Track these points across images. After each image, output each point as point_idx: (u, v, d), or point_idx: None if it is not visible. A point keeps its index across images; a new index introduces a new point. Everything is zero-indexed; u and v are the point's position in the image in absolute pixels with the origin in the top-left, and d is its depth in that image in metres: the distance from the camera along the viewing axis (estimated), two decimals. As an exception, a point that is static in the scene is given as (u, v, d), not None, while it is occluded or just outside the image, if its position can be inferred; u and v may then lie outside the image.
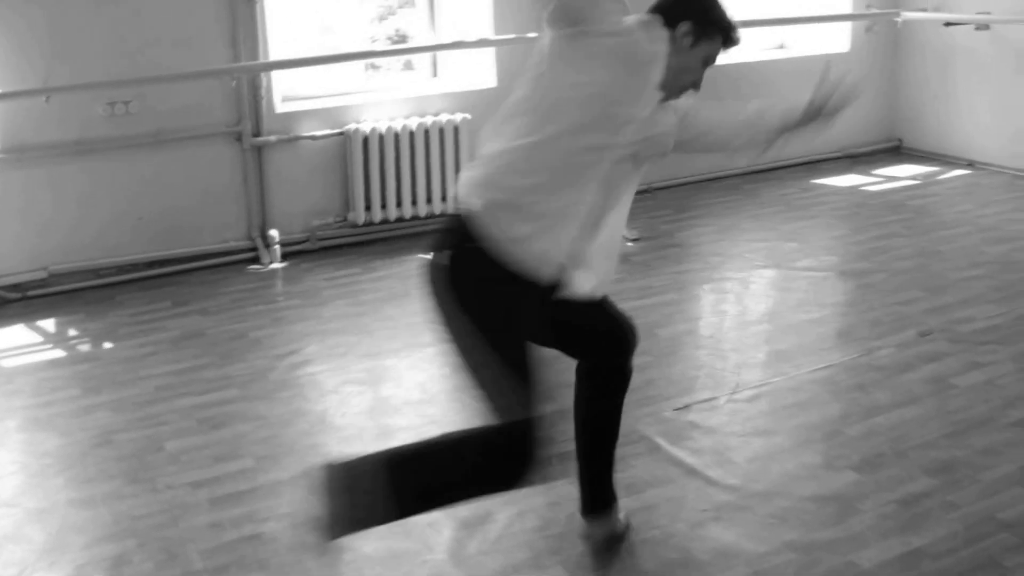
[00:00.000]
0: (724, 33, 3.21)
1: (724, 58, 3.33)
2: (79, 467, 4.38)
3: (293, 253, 7.04)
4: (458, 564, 3.64)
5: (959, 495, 3.91)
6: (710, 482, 4.04)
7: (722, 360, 5.18)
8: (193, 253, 6.84)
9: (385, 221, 7.34)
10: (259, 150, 6.96)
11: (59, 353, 5.64)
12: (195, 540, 3.79)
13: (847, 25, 9.22)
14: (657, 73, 3.05)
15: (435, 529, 3.79)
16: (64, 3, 6.28)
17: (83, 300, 6.35)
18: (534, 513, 3.86)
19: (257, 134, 6.93)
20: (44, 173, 6.39)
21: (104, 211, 6.57)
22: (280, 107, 7.04)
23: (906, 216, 7.62)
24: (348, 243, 7.27)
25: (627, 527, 3.71)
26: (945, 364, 5.07)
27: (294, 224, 7.12)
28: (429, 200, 7.42)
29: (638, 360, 5.13)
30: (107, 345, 5.69)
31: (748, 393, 4.79)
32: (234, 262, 6.91)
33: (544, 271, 3.03)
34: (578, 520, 3.73)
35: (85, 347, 5.70)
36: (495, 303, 3.04)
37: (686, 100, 3.31)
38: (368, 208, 7.25)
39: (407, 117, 7.34)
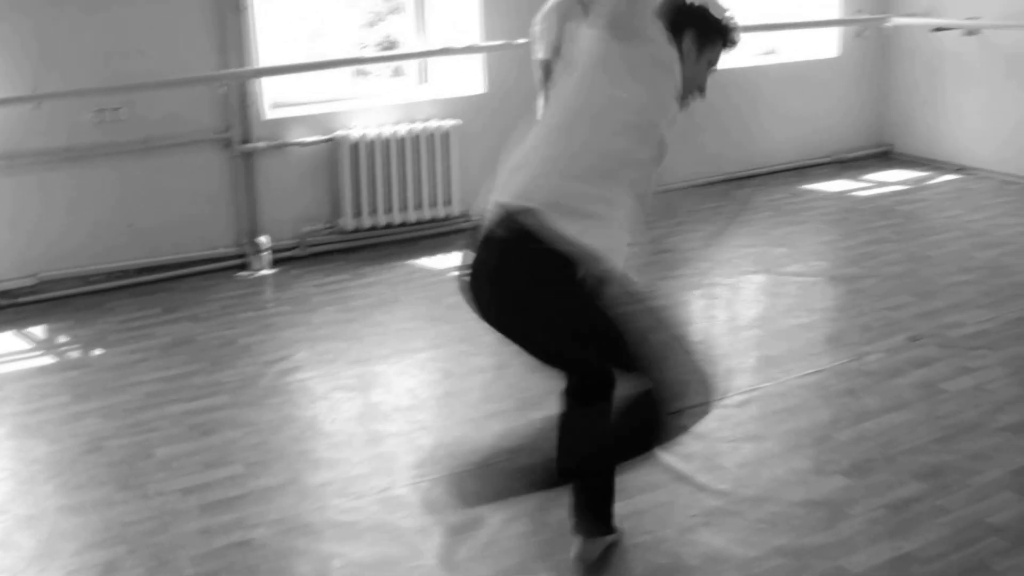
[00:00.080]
0: (724, 36, 3.24)
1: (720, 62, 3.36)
2: (69, 474, 4.37)
3: (283, 259, 7.03)
4: (448, 569, 3.63)
5: (949, 500, 3.91)
6: (700, 487, 4.04)
7: (712, 366, 5.17)
8: (183, 260, 6.83)
9: (375, 227, 7.34)
10: (248, 157, 6.96)
11: (49, 360, 5.63)
12: (185, 546, 3.78)
13: (837, 30, 9.24)
14: (678, 82, 3.14)
15: (425, 535, 3.80)
16: (53, 10, 6.27)
17: (73, 307, 6.34)
18: (524, 518, 3.86)
19: (246, 141, 6.93)
20: (33, 180, 6.38)
21: (94, 218, 6.56)
22: (269, 114, 7.04)
23: (896, 221, 7.64)
24: (338, 249, 7.27)
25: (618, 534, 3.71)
26: (935, 369, 5.08)
27: (284, 230, 7.11)
28: (419, 206, 7.42)
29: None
30: (97, 352, 5.68)
31: (738, 398, 4.79)
32: (224, 268, 6.90)
33: (600, 269, 3.03)
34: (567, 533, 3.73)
35: (75, 354, 5.69)
36: (572, 294, 3.04)
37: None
38: (357, 214, 7.25)
39: (396, 123, 7.35)
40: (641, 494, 4.00)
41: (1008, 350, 5.26)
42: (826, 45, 9.28)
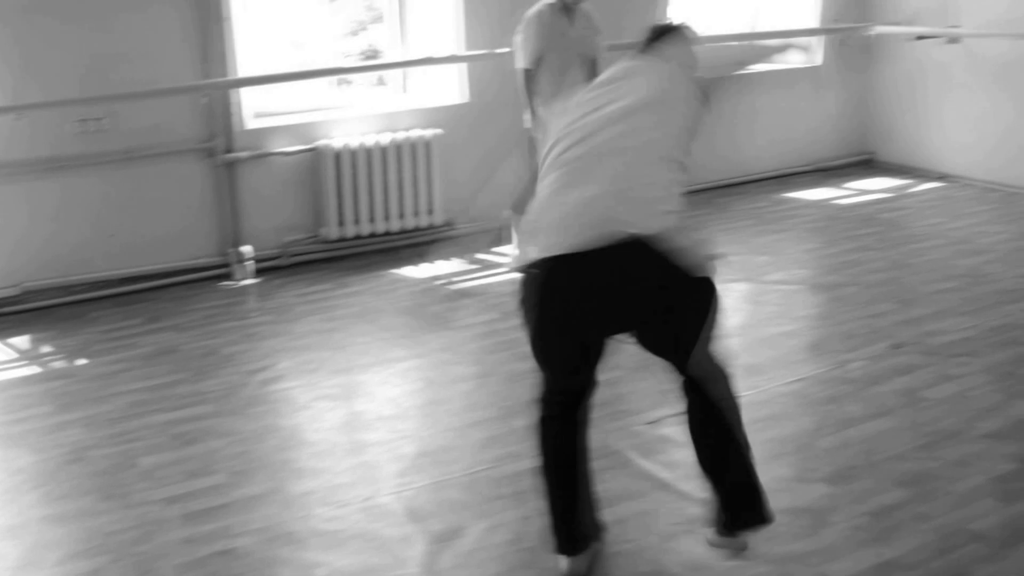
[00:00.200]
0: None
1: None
2: (52, 483, 4.36)
3: (265, 269, 7.03)
4: (432, 578, 3.64)
5: (931, 506, 3.93)
6: (682, 495, 4.04)
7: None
8: (166, 269, 6.82)
9: (357, 237, 7.35)
10: (230, 166, 6.95)
11: (32, 370, 5.61)
12: (168, 556, 3.77)
13: (820, 39, 9.29)
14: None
15: (408, 543, 3.80)
16: (34, 21, 6.26)
17: (56, 317, 6.32)
18: (506, 527, 3.87)
19: (228, 150, 6.92)
20: (16, 190, 6.36)
21: (77, 228, 6.55)
22: (251, 123, 7.04)
23: (878, 229, 7.67)
24: (320, 259, 7.26)
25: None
26: (917, 376, 5.10)
27: (266, 240, 7.11)
28: (401, 215, 7.43)
29: (609, 374, 5.17)
30: (80, 362, 5.67)
31: (721, 406, 4.80)
32: (207, 278, 6.90)
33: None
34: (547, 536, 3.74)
35: (58, 364, 5.68)
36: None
37: None
38: (340, 224, 7.25)
39: (378, 133, 7.35)
40: (623, 502, 4.00)
41: (990, 357, 5.28)
42: (810, 54, 9.32)
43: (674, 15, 8.22)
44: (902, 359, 5.30)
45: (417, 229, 7.54)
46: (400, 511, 4.02)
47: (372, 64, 7.96)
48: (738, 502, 3.49)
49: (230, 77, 6.84)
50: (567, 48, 6.66)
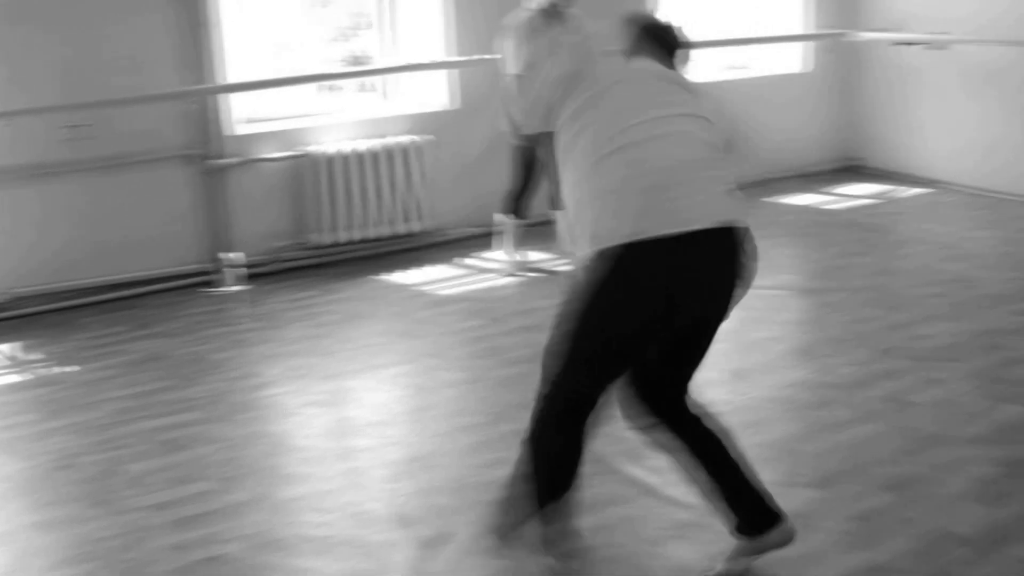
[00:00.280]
0: None
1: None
2: (40, 491, 4.36)
3: (253, 275, 7.03)
4: (419, 584, 3.65)
5: (916, 511, 3.94)
6: (669, 500, 4.06)
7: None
8: (153, 276, 6.82)
9: (344, 243, 7.35)
10: (217, 173, 6.96)
11: (19, 377, 5.61)
12: (157, 562, 3.77)
13: (805, 45, 9.32)
14: None
15: (396, 549, 3.80)
16: (19, 27, 6.27)
17: (43, 324, 6.32)
18: (493, 533, 3.87)
19: (215, 157, 6.93)
20: (3, 197, 6.37)
21: (63, 234, 6.55)
22: (238, 129, 7.05)
23: (865, 235, 7.70)
24: (308, 265, 7.27)
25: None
26: (903, 381, 5.12)
27: (253, 246, 7.11)
28: (388, 222, 7.44)
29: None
30: (67, 368, 5.67)
31: (708, 411, 4.82)
32: (194, 284, 6.90)
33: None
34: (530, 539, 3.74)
35: (45, 371, 5.67)
36: None
37: None
38: (327, 230, 7.26)
39: (365, 139, 7.36)
40: (610, 507, 4.02)
41: (975, 362, 5.30)
42: (796, 60, 9.36)
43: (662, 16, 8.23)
44: (888, 364, 5.32)
45: (403, 235, 7.55)
46: (388, 517, 4.03)
47: (359, 70, 7.97)
48: (761, 505, 3.51)
49: (217, 83, 6.85)
50: (555, 54, 6.67)
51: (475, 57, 7.39)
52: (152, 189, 6.81)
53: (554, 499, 3.45)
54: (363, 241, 7.43)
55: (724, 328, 3.46)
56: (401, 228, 7.51)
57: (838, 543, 3.75)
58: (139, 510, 4.13)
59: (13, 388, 5.45)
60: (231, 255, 6.95)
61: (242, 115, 7.15)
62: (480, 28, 7.39)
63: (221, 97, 6.93)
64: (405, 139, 7.44)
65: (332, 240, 7.30)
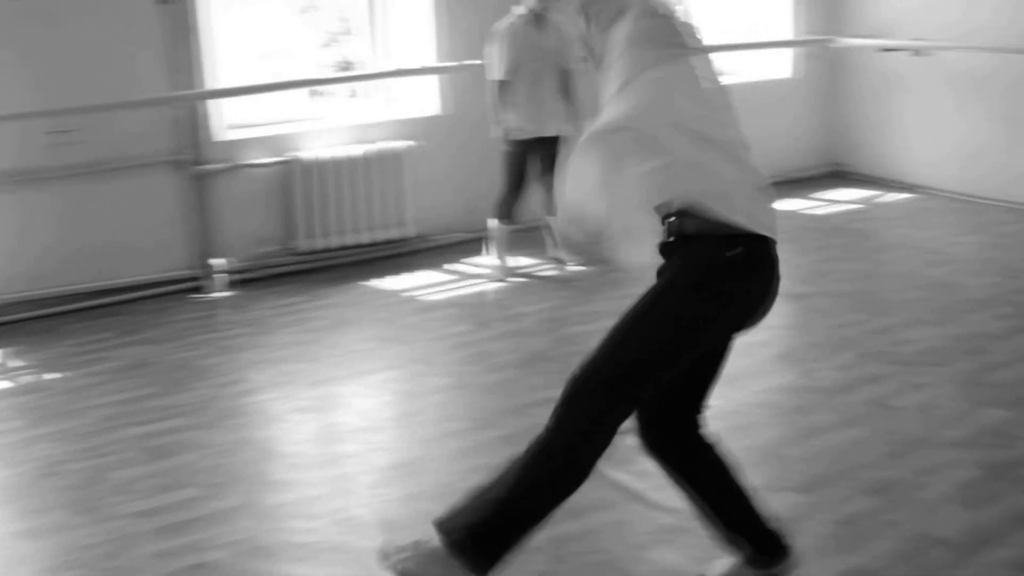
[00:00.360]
0: None
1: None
2: (25, 499, 4.36)
3: (239, 281, 7.04)
4: (404, 590, 3.65)
5: (898, 514, 3.97)
6: (653, 505, 4.07)
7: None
8: (138, 282, 6.82)
9: (330, 248, 7.36)
10: (203, 178, 6.96)
11: (3, 384, 5.61)
12: (141, 570, 3.78)
13: (790, 51, 9.36)
14: None
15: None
16: (3, 33, 6.26)
17: (27, 331, 6.32)
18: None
19: (201, 162, 6.93)
20: (-13, 203, 6.37)
21: (49, 240, 6.55)
22: (224, 135, 7.06)
23: (848, 239, 7.74)
24: (294, 271, 7.28)
25: None
26: (885, 385, 5.14)
27: (241, 252, 7.12)
28: (374, 227, 7.45)
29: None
30: (52, 375, 5.67)
31: (692, 416, 4.83)
32: (179, 291, 6.90)
33: None
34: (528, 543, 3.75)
35: (30, 378, 5.67)
36: None
37: None
38: (314, 235, 7.27)
39: (352, 144, 7.38)
40: (594, 512, 4.03)
41: (956, 366, 5.34)
42: (779, 66, 9.40)
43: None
44: (870, 368, 5.35)
45: (390, 241, 7.57)
46: (373, 523, 4.03)
47: (345, 75, 7.99)
48: (772, 536, 3.41)
49: (204, 88, 6.86)
50: (540, 59, 6.73)
51: (463, 63, 7.42)
52: (139, 195, 6.82)
53: (548, 512, 3.20)
54: (351, 247, 7.44)
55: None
56: (389, 234, 7.52)
57: (823, 547, 3.77)
58: (125, 517, 4.13)
59: (-1, 395, 5.45)
60: (218, 261, 6.96)
61: (229, 120, 7.16)
62: (468, 33, 7.42)
63: (209, 102, 6.94)
64: (392, 144, 7.46)
65: (320, 246, 7.31)
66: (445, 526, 3.15)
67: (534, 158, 6.89)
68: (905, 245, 7.56)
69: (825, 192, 9.10)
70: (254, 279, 7.12)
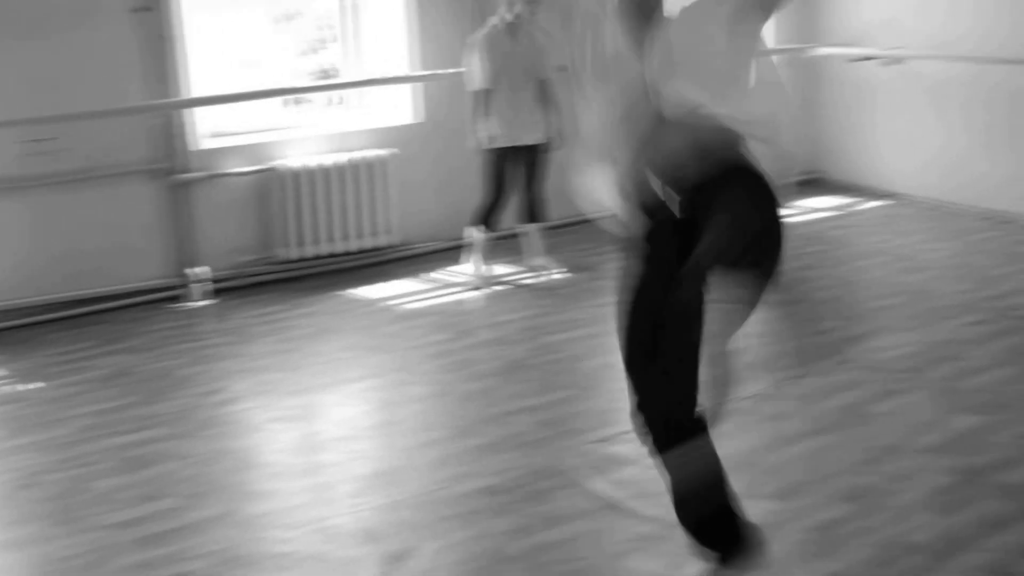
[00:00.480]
0: None
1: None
2: (4, 509, 4.37)
3: (219, 290, 7.05)
4: (384, 599, 3.68)
5: (872, 520, 4.00)
6: (630, 513, 4.10)
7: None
8: (119, 291, 6.82)
9: (310, 257, 7.38)
10: (183, 187, 6.97)
11: (-17, 394, 5.62)
12: (122, 580, 3.80)
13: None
14: None
15: (360, 565, 3.83)
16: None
17: (7, 340, 6.31)
18: (458, 547, 3.91)
19: (180, 171, 6.94)
20: (-34, 213, 6.37)
21: (28, 250, 6.55)
22: (203, 144, 7.07)
23: (825, 247, 7.79)
24: (275, 279, 7.29)
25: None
26: (860, 392, 5.18)
27: (220, 261, 7.12)
28: (354, 236, 7.47)
29: (559, 394, 5.23)
30: (32, 385, 5.67)
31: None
32: (160, 300, 6.91)
33: None
34: (507, 552, 3.78)
35: (9, 388, 5.67)
36: None
37: None
38: (292, 245, 7.28)
39: (331, 152, 7.39)
40: (573, 521, 4.06)
41: (930, 373, 5.38)
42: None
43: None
44: (846, 375, 5.39)
45: (370, 249, 7.58)
46: (353, 532, 4.06)
47: (321, 84, 8.01)
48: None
49: (182, 97, 6.87)
50: (518, 68, 6.76)
51: (440, 71, 7.45)
52: (118, 204, 6.82)
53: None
54: (330, 255, 7.45)
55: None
56: (368, 242, 7.54)
57: (798, 553, 3.81)
58: (104, 528, 4.14)
59: (-22, 406, 5.45)
60: (197, 270, 6.97)
61: (208, 129, 7.17)
62: (444, 42, 7.45)
63: (187, 111, 6.95)
64: (371, 153, 7.48)
65: (299, 255, 7.33)
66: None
67: (513, 167, 6.92)
68: (881, 252, 7.61)
69: (804, 199, 9.13)
70: (234, 288, 7.13)
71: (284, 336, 6.27)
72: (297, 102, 7.93)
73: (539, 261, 7.20)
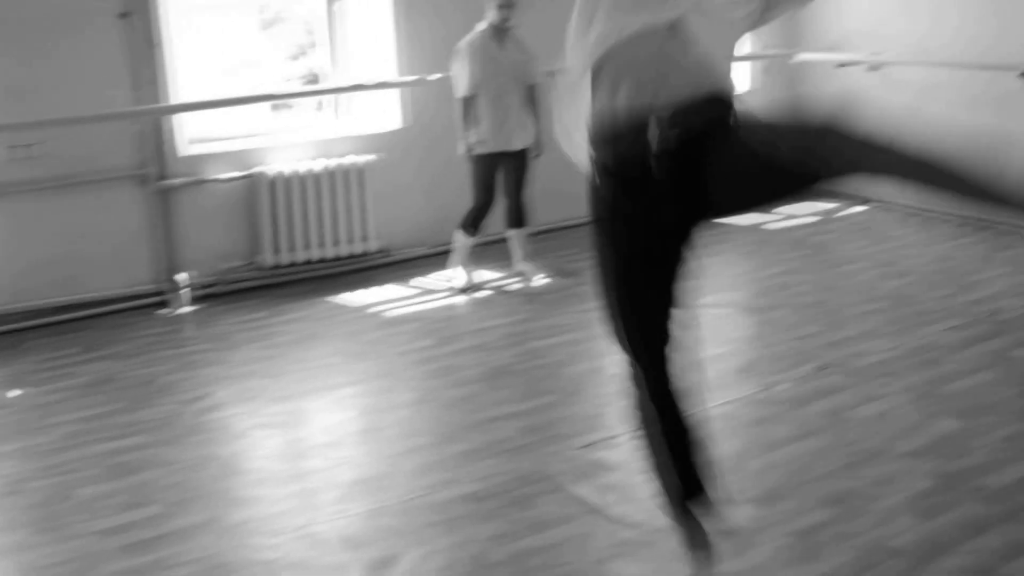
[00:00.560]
0: None
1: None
2: (-13, 517, 4.36)
3: (203, 296, 7.05)
4: (368, 605, 3.68)
5: (853, 525, 4.03)
6: (614, 519, 4.12)
7: (626, 398, 5.27)
8: (101, 298, 6.81)
9: (294, 263, 7.38)
10: (166, 193, 6.97)
11: (-34, 401, 5.61)
12: (106, 588, 3.80)
13: (745, 66, 9.46)
14: None
15: (343, 572, 3.84)
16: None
17: (-10, 347, 6.31)
18: (440, 554, 3.92)
19: (163, 177, 6.94)
20: (-51, 220, 6.35)
21: (11, 255, 6.53)
22: (187, 149, 7.07)
23: (806, 253, 7.82)
24: (258, 286, 7.29)
25: None
26: (841, 397, 5.21)
27: (203, 267, 7.12)
28: (338, 242, 7.48)
29: (543, 400, 5.25)
30: (15, 392, 5.66)
31: (652, 429, 4.89)
32: (143, 306, 6.90)
33: None
34: (491, 558, 3.80)
35: (-8, 395, 5.67)
36: None
37: None
38: (277, 251, 7.29)
39: (315, 159, 7.40)
40: (556, 527, 4.08)
41: (910, 378, 5.41)
42: (739, 80, 9.47)
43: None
44: (827, 380, 5.42)
45: (353, 256, 7.59)
46: (336, 539, 4.07)
47: (305, 90, 8.02)
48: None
49: (167, 103, 6.87)
50: (504, 74, 6.79)
51: (425, 77, 7.47)
52: (102, 209, 6.81)
53: None
54: (315, 261, 7.46)
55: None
56: (353, 248, 7.55)
57: (779, 558, 3.83)
58: (88, 535, 4.14)
59: (-39, 413, 5.44)
60: (182, 276, 6.96)
61: (193, 135, 7.17)
62: (430, 47, 7.47)
63: (173, 117, 6.95)
64: (355, 159, 7.49)
65: (284, 261, 7.33)
66: None
67: (500, 173, 6.95)
68: (862, 258, 7.65)
69: (785, 206, 9.17)
70: (218, 294, 7.13)
71: (268, 342, 6.27)
72: (277, 107, 7.92)
73: (523, 266, 7.22)
